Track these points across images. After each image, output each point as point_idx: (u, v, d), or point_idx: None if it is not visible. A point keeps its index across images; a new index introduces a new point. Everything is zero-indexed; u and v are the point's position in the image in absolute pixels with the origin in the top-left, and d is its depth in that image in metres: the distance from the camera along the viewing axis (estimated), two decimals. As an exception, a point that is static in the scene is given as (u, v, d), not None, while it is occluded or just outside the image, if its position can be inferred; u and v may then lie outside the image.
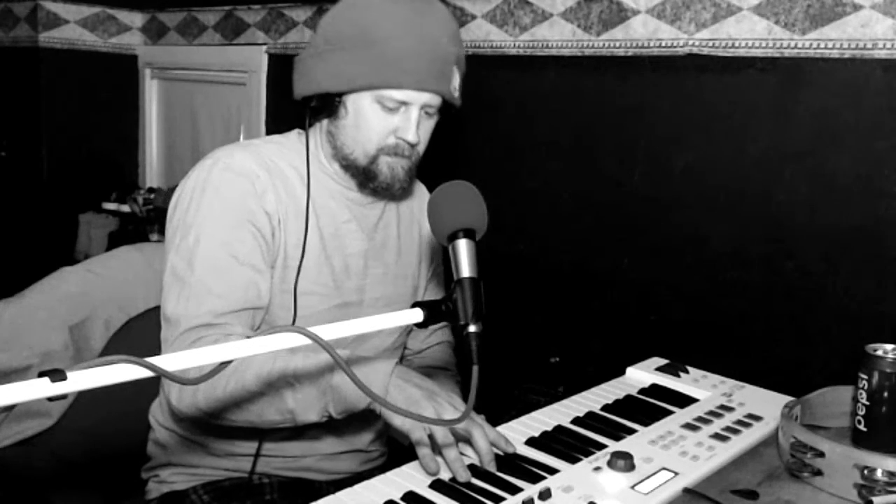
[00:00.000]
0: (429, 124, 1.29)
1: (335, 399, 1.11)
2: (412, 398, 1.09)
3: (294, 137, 1.38)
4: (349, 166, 1.31)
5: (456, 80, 1.27)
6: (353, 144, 1.28)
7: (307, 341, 0.76)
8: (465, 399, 0.95)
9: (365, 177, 1.30)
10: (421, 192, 1.51)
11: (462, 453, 1.07)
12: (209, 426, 1.27)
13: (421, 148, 1.31)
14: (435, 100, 1.26)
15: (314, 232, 1.30)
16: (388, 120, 1.25)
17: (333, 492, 1.00)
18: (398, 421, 1.08)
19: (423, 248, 1.49)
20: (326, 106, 1.29)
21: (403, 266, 1.44)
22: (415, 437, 1.07)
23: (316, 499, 0.97)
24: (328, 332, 0.78)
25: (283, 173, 1.29)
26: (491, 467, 1.06)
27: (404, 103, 1.24)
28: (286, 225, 1.28)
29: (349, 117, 1.27)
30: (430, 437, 1.06)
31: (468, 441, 1.09)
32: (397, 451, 1.34)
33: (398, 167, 1.29)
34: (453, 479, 1.04)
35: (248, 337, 0.75)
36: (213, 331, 1.17)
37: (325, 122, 1.33)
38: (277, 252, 1.27)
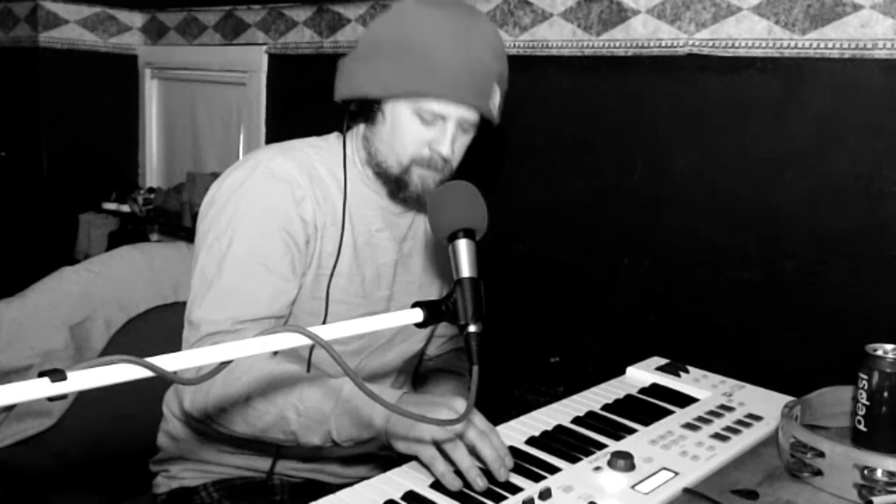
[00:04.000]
0: (464, 140, 1.29)
1: (337, 428, 1.10)
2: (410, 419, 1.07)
3: (333, 141, 1.37)
4: (381, 173, 1.30)
5: (496, 98, 1.27)
6: (388, 152, 1.28)
7: (307, 341, 0.76)
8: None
9: (396, 185, 1.30)
10: None
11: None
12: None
13: (454, 162, 1.30)
14: (472, 115, 1.25)
15: (349, 240, 1.30)
16: (424, 131, 1.25)
17: (344, 492, 1.00)
18: (402, 445, 1.06)
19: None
20: (364, 110, 1.28)
21: (429, 275, 1.44)
22: (425, 457, 1.04)
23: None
24: (328, 331, 0.78)
25: (322, 180, 1.29)
26: (502, 476, 1.02)
27: (441, 116, 1.24)
28: (323, 232, 1.28)
29: (386, 124, 1.26)
30: (440, 450, 1.04)
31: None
32: (407, 457, 1.34)
33: (429, 179, 1.28)
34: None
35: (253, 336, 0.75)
36: (228, 337, 1.17)
37: (361, 126, 1.32)
38: (311, 259, 1.27)
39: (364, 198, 1.33)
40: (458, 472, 1.02)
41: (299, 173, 1.26)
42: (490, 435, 1.05)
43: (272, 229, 1.23)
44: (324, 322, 1.27)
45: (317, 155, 1.32)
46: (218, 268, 1.21)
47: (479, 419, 1.07)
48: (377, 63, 1.24)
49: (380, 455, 1.41)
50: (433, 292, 1.45)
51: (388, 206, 1.36)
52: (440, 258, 1.46)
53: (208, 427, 1.23)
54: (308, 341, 0.76)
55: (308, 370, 1.27)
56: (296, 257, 1.25)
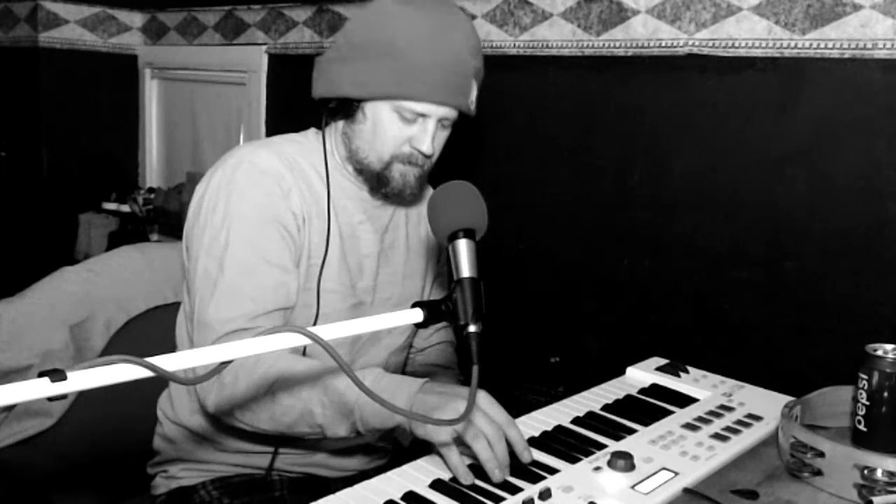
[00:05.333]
0: (443, 135, 1.31)
1: (362, 419, 1.11)
2: (432, 405, 1.07)
3: (312, 136, 1.38)
4: (363, 170, 1.32)
5: (474, 93, 1.29)
6: (368, 149, 1.29)
7: (307, 341, 0.76)
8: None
9: (377, 181, 1.32)
10: (429, 195, 1.51)
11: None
12: (221, 424, 1.27)
13: (434, 157, 1.32)
14: (452, 113, 1.28)
15: (334, 231, 1.32)
16: (405, 129, 1.26)
17: (342, 488, 1.00)
18: (421, 430, 1.06)
19: (431, 249, 1.50)
20: (344, 109, 1.30)
21: (411, 266, 1.46)
22: (441, 440, 1.04)
23: (325, 495, 0.97)
24: (329, 332, 0.78)
25: (304, 173, 1.31)
26: (495, 476, 1.02)
27: (422, 115, 1.25)
28: (310, 224, 1.29)
29: (367, 123, 1.28)
30: (458, 439, 1.04)
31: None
32: (401, 448, 1.35)
33: (410, 175, 1.31)
34: (453, 479, 1.04)
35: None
36: (247, 334, 1.18)
37: (340, 123, 1.34)
38: (301, 251, 1.28)
39: (345, 190, 1.35)
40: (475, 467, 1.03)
41: (282, 166, 1.28)
42: (508, 429, 1.05)
43: (266, 222, 1.24)
44: (317, 313, 1.29)
45: (297, 149, 1.33)
46: (220, 267, 1.22)
47: (497, 412, 1.06)
48: (357, 64, 1.25)
49: (376, 447, 1.42)
50: (415, 283, 1.47)
51: (369, 198, 1.37)
52: (421, 250, 1.48)
53: (231, 425, 1.24)
54: (308, 340, 0.76)
55: None
56: (291, 248, 1.26)
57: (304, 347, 1.29)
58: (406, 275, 1.44)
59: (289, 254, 1.26)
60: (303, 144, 1.35)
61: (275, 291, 1.23)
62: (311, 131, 1.39)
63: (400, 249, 1.43)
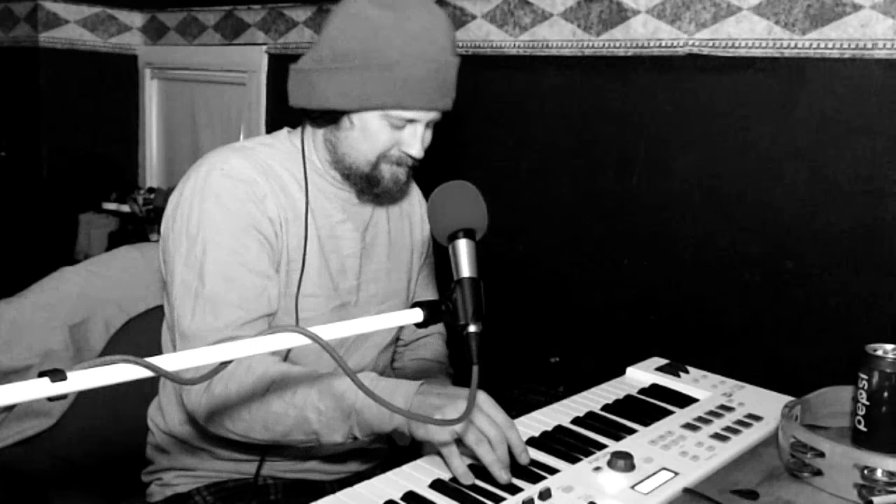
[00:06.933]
0: (429, 133, 1.31)
1: (359, 422, 1.10)
2: (432, 405, 1.07)
3: (284, 138, 1.37)
4: (351, 175, 1.31)
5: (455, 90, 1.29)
6: (357, 155, 1.28)
7: (307, 341, 0.76)
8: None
9: (367, 183, 1.31)
10: (411, 188, 1.51)
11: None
12: (212, 433, 1.27)
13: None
14: (439, 114, 1.28)
15: (312, 235, 1.30)
16: (394, 134, 1.26)
17: (338, 490, 1.00)
18: (422, 432, 1.06)
19: (415, 242, 1.50)
20: (328, 116, 1.28)
21: (396, 261, 1.45)
22: (442, 439, 1.04)
23: (320, 498, 0.97)
24: (328, 332, 0.78)
25: (279, 177, 1.29)
26: (502, 479, 1.02)
27: (412, 121, 1.25)
28: (287, 229, 1.28)
29: (354, 130, 1.27)
30: (459, 441, 1.04)
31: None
32: (396, 449, 1.34)
33: (399, 174, 1.30)
34: (453, 479, 1.04)
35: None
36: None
37: (321, 128, 1.33)
38: (280, 256, 1.27)
39: (323, 191, 1.34)
40: (472, 466, 1.03)
41: (255, 171, 1.26)
42: (508, 431, 1.05)
43: (242, 229, 1.22)
44: (296, 317, 1.28)
45: (270, 153, 1.31)
46: (199, 277, 1.20)
47: (497, 413, 1.06)
48: (345, 75, 1.23)
49: (369, 450, 1.41)
50: (400, 278, 1.46)
51: (349, 197, 1.36)
52: (405, 244, 1.47)
53: (222, 434, 1.23)
54: (307, 340, 0.76)
55: None
56: (269, 253, 1.25)
57: (287, 353, 1.29)
58: (390, 270, 1.43)
59: (268, 259, 1.24)
60: (275, 147, 1.33)
61: (257, 299, 1.21)
62: (283, 132, 1.38)
63: (382, 245, 1.42)
